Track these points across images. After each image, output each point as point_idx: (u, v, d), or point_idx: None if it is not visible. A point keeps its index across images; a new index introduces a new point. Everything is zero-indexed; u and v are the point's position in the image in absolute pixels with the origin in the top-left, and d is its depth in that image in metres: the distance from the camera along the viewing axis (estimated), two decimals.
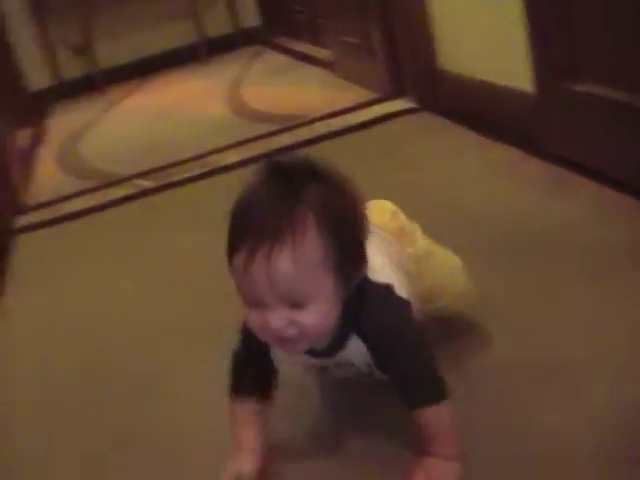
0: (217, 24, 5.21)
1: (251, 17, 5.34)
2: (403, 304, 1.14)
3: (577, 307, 1.43)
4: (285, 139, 2.95)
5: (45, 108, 4.83)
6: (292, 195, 1.01)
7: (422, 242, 1.31)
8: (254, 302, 1.02)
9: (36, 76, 4.98)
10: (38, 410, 1.60)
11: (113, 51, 5.01)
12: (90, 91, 4.96)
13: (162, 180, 2.86)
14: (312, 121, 3.06)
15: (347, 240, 1.03)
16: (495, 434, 1.17)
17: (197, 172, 2.83)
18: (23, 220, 2.83)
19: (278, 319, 1.01)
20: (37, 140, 4.16)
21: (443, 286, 1.32)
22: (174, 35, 5.07)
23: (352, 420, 1.28)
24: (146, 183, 2.88)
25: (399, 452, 1.18)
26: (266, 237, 0.98)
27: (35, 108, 4.71)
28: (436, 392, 1.11)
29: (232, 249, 1.02)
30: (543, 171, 2.05)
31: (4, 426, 1.58)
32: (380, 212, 1.28)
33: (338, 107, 3.11)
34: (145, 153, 3.30)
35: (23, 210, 2.92)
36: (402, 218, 1.31)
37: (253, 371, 1.19)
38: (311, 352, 1.12)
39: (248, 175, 1.06)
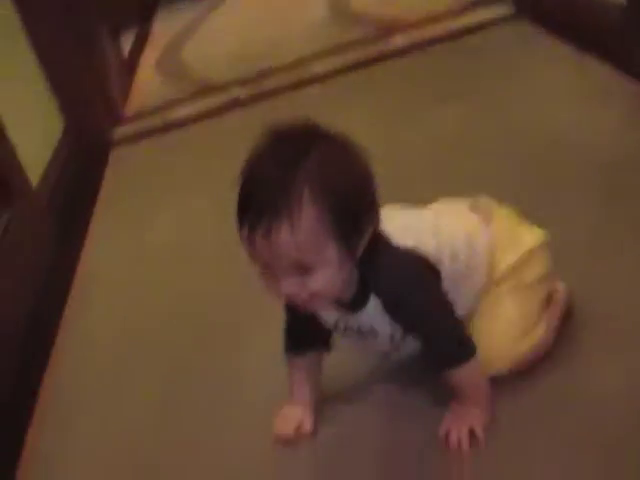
0: None
1: None
2: (421, 263, 1.11)
3: None
4: (380, 47, 2.88)
5: (149, 11, 4.85)
6: (290, 169, 1.00)
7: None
8: (265, 270, 1.05)
9: None
10: (116, 341, 1.68)
11: None
12: None
13: (259, 89, 2.85)
14: (407, 27, 2.98)
15: (347, 208, 1.02)
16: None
17: (292, 80, 2.82)
18: (120, 132, 2.89)
19: (288, 285, 1.04)
20: (139, 45, 4.19)
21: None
22: None
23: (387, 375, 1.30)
24: (243, 91, 2.88)
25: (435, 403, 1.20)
26: (264, 215, 0.99)
27: (139, 11, 4.73)
28: (464, 351, 1.12)
29: (239, 222, 1.03)
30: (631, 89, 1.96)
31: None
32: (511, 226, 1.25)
33: (437, 11, 3.02)
34: (245, 58, 3.30)
35: (121, 121, 2.97)
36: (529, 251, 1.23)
37: (300, 329, 1.21)
38: (344, 306, 1.13)
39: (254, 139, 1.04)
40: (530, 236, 1.24)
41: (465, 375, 1.12)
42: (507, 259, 1.20)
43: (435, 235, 1.14)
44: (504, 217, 1.25)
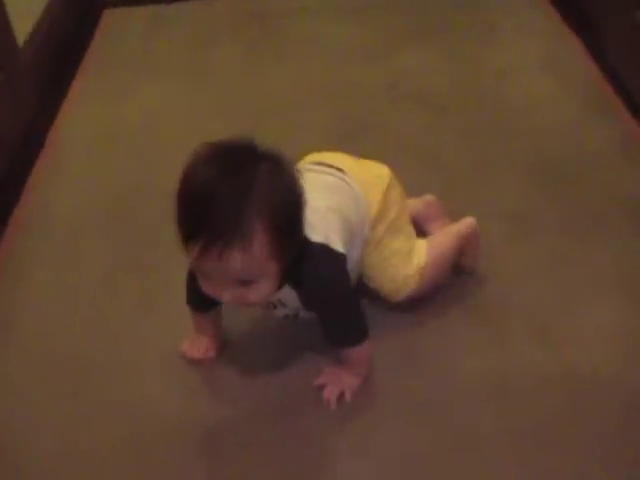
0: None
1: None
2: (337, 259, 1.24)
3: None
4: None
5: None
6: (243, 196, 1.06)
7: (386, 233, 1.40)
8: (206, 278, 1.16)
9: None
10: (76, 207, 1.84)
11: None
12: None
13: None
14: None
15: (289, 228, 1.13)
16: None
17: None
18: None
19: (229, 296, 1.15)
20: None
21: (380, 276, 1.42)
22: None
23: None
24: None
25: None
26: (218, 239, 1.06)
27: None
28: (358, 336, 1.29)
29: (185, 236, 1.10)
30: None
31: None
32: (373, 176, 1.42)
33: None
34: None
35: None
36: (396, 193, 1.44)
37: (202, 295, 1.23)
38: None
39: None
40: (381, 170, 1.44)
41: (355, 352, 1.31)
42: (375, 199, 1.39)
43: (332, 222, 1.28)
44: (355, 166, 1.42)
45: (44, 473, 1.26)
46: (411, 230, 1.47)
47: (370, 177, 1.41)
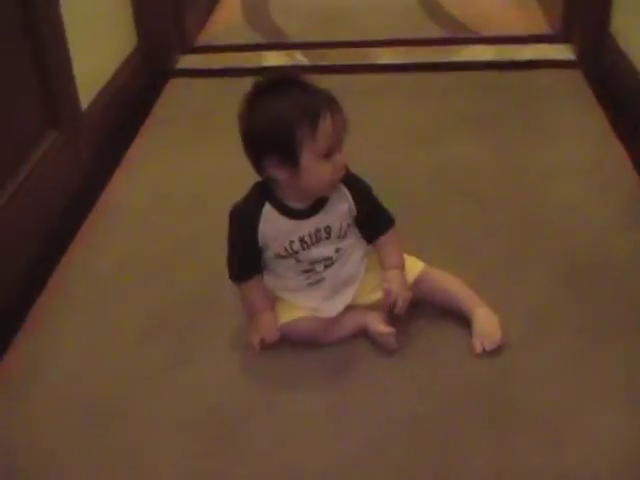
0: None
1: None
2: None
3: None
4: (440, 54, 3.02)
5: None
6: (306, 85, 1.47)
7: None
8: (331, 152, 1.46)
9: None
10: (121, 262, 1.92)
11: None
12: None
13: (322, 60, 3.03)
14: (476, 40, 3.12)
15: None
16: None
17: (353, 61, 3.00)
18: (184, 61, 3.08)
19: (342, 157, 1.48)
20: None
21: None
22: None
23: None
24: (306, 59, 3.06)
25: None
26: (333, 104, 1.45)
27: None
28: (390, 219, 1.62)
29: (315, 122, 1.42)
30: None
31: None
32: None
33: (507, 32, 3.17)
34: (322, 21, 3.46)
35: (188, 51, 3.14)
36: None
37: (250, 259, 1.59)
38: (301, 214, 1.53)
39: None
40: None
41: (393, 238, 1.62)
42: None
43: None
44: None
45: None
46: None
47: None
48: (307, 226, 1.54)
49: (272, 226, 1.53)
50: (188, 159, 2.38)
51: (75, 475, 1.39)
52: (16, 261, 1.88)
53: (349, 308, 1.63)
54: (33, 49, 2.02)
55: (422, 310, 1.67)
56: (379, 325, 1.59)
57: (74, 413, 1.51)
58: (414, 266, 1.66)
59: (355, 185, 1.58)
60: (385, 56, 3.03)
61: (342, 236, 1.58)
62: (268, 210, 1.53)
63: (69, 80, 2.23)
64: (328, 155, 1.46)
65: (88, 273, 1.91)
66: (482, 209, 2.06)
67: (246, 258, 1.58)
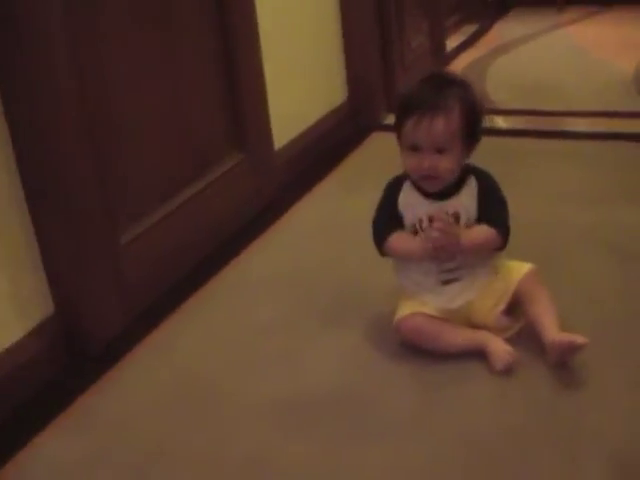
0: None
1: None
2: None
3: None
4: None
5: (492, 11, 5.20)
6: (444, 89, 1.65)
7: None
8: (415, 148, 1.65)
9: None
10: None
11: None
12: (549, 5, 5.17)
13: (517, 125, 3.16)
14: None
15: (474, 124, 1.68)
16: None
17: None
18: (389, 119, 3.28)
19: (429, 159, 1.65)
20: (470, 40, 4.59)
21: None
22: None
23: None
24: (504, 124, 3.20)
25: None
26: (429, 109, 1.62)
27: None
28: (508, 231, 1.71)
29: (404, 117, 1.65)
30: None
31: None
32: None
33: None
34: (535, 92, 3.60)
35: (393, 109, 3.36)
36: None
37: (393, 222, 1.76)
38: (434, 196, 1.71)
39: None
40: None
41: (491, 233, 1.70)
42: None
43: None
44: None
45: None
46: None
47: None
48: (435, 207, 1.71)
49: (408, 198, 1.74)
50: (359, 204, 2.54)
51: None
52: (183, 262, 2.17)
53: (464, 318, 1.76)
54: (229, 82, 2.36)
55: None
56: (503, 345, 1.68)
57: None
58: (523, 266, 1.78)
59: (485, 180, 1.74)
60: (580, 124, 3.10)
61: (470, 227, 1.72)
62: (408, 185, 1.75)
63: (263, 115, 2.54)
64: (414, 149, 1.66)
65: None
66: (631, 266, 2.06)
67: (388, 219, 1.76)
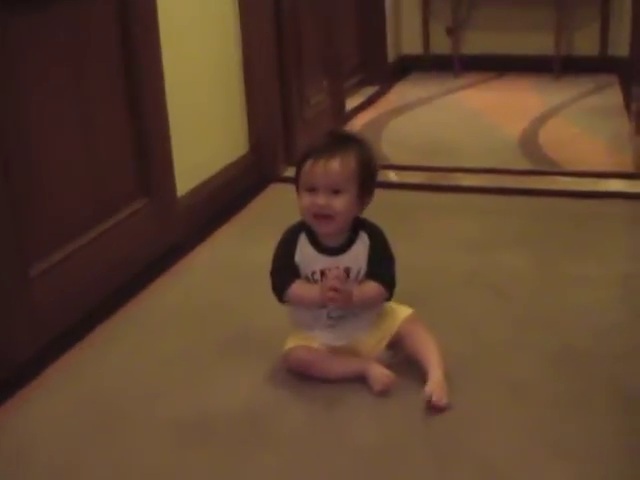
0: (581, 44, 5.38)
1: (621, 46, 5.38)
2: None
3: None
4: (520, 182, 3.23)
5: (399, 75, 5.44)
6: (342, 142, 1.79)
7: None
8: (310, 188, 1.76)
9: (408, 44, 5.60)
10: None
11: (474, 40, 5.44)
12: (446, 71, 5.42)
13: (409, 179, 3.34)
14: (558, 173, 3.35)
15: (368, 176, 1.79)
16: None
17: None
18: (289, 172, 3.39)
19: (323, 198, 1.75)
20: (370, 100, 4.80)
21: None
22: (534, 43, 5.32)
23: None
24: (395, 178, 3.36)
25: None
26: (325, 152, 1.75)
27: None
28: (393, 284, 1.85)
29: (302, 162, 1.76)
30: None
31: None
32: None
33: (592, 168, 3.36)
34: (427, 149, 3.80)
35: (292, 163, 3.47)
36: None
37: (292, 273, 1.84)
38: (328, 251, 1.82)
39: None
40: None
41: (379, 294, 1.84)
42: None
43: None
44: None
45: None
46: None
47: None
48: (329, 262, 1.82)
49: (303, 251, 1.84)
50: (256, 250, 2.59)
51: None
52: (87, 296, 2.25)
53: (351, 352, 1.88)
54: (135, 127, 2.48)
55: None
56: (382, 369, 1.81)
57: None
58: (404, 310, 1.92)
59: (375, 237, 1.85)
60: (468, 180, 3.29)
61: (360, 281, 1.83)
62: (303, 238, 1.85)
63: (167, 163, 2.65)
64: (311, 190, 1.76)
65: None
66: (506, 305, 2.23)
67: (289, 268, 1.84)
